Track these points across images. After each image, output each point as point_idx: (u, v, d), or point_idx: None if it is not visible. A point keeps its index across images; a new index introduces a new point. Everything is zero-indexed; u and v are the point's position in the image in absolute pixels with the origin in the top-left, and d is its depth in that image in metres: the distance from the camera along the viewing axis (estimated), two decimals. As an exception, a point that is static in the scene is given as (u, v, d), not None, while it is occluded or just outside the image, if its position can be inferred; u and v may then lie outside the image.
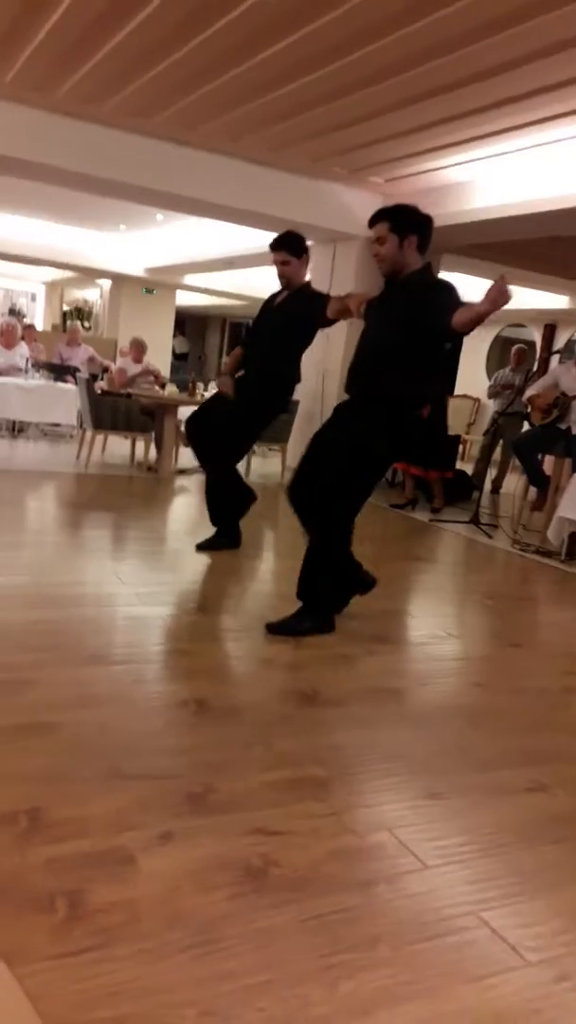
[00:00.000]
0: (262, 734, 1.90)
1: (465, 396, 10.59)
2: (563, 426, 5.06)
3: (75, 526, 4.27)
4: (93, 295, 13.41)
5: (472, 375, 10.61)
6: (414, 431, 2.64)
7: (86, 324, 13.01)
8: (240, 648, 2.60)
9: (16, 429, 7.27)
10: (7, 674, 2.06)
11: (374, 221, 2.60)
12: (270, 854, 1.42)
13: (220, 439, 3.66)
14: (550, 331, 9.92)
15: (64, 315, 13.88)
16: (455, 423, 10.24)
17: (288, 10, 3.32)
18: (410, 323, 2.50)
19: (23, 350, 7.47)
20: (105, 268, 10.92)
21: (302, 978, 1.14)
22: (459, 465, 6.86)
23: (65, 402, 6.87)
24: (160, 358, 10.46)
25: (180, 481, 5.87)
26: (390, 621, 3.07)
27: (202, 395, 6.53)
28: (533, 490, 5.52)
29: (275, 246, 3.54)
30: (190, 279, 11.38)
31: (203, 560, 3.64)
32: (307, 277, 3.68)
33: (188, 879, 1.32)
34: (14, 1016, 0.55)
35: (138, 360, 6.88)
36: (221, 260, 9.02)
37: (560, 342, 9.68)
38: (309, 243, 6.73)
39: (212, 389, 7.65)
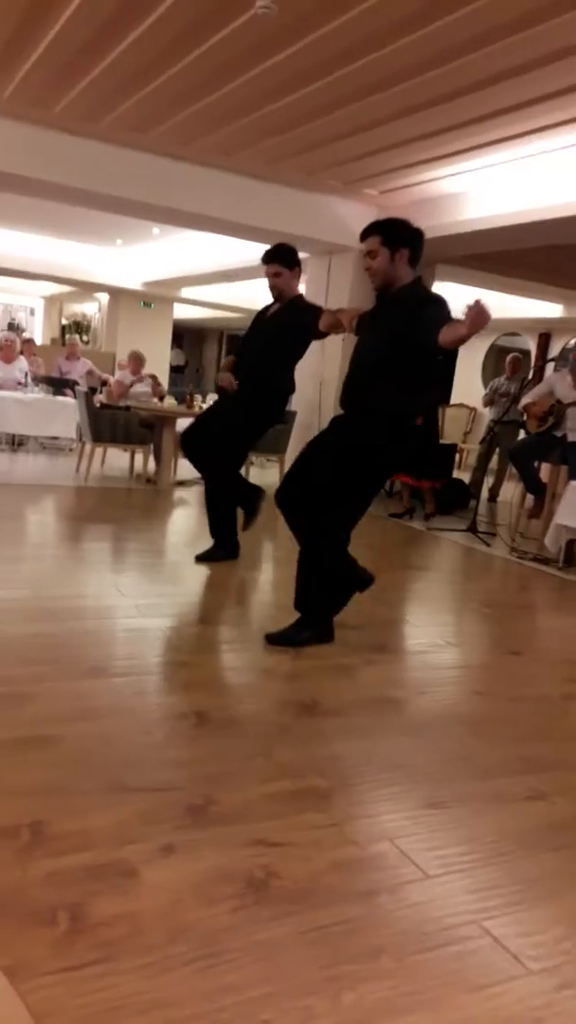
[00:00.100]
0: (262, 745, 1.90)
1: (461, 405, 10.64)
2: (559, 433, 5.09)
3: (75, 539, 4.28)
4: (91, 309, 13.49)
5: (468, 384, 10.67)
6: (410, 442, 2.66)
7: (85, 338, 13.08)
8: (240, 659, 2.60)
9: (16, 443, 7.29)
10: (7, 687, 2.07)
11: (365, 235, 2.64)
12: (271, 865, 1.42)
13: (216, 450, 3.68)
14: (545, 340, 9.98)
15: (63, 329, 13.95)
16: (452, 432, 10.30)
17: (281, 25, 3.37)
18: (401, 337, 2.53)
19: (22, 364, 7.50)
20: (103, 282, 10.99)
21: (305, 990, 1.14)
22: (456, 474, 6.88)
23: (64, 415, 6.90)
24: (158, 371, 10.50)
25: (179, 493, 5.89)
26: (389, 630, 3.07)
27: (200, 407, 6.56)
28: (530, 498, 5.54)
29: (267, 258, 3.57)
30: (187, 292, 11.46)
31: (202, 572, 3.65)
32: (300, 289, 3.71)
33: (190, 891, 1.33)
34: None
35: (136, 373, 6.92)
36: (217, 273, 9.09)
37: (555, 350, 9.74)
38: (304, 255, 6.79)
39: (210, 400, 7.69)
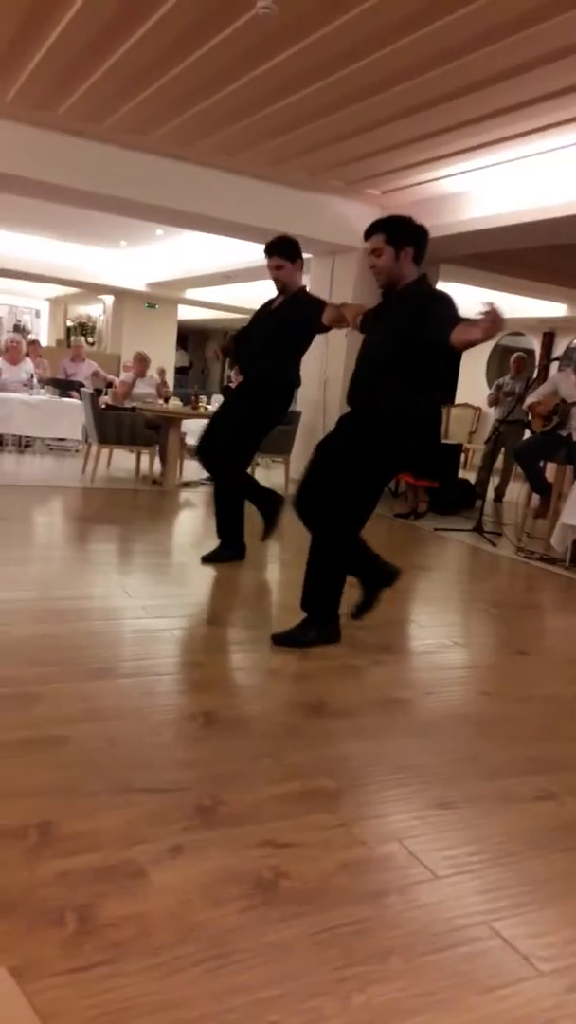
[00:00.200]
0: (270, 746, 1.90)
1: (466, 405, 10.62)
2: (564, 433, 5.07)
3: (81, 540, 4.29)
4: (96, 311, 13.52)
5: (472, 384, 10.65)
6: (417, 441, 2.66)
7: (90, 339, 13.10)
8: (247, 660, 2.60)
9: (22, 444, 7.32)
10: (14, 688, 2.07)
11: (370, 233, 2.63)
12: (280, 866, 1.42)
13: (223, 449, 3.67)
14: (549, 339, 9.96)
15: (68, 331, 13.99)
16: (456, 432, 10.29)
17: (282, 26, 3.37)
18: (408, 334, 2.52)
19: (28, 366, 7.53)
20: (107, 284, 11.03)
21: (315, 991, 1.13)
22: (461, 474, 6.87)
23: (70, 417, 6.92)
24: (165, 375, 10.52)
25: (185, 494, 5.89)
26: (396, 630, 3.06)
27: (205, 407, 6.57)
28: (536, 497, 5.52)
29: (269, 251, 3.54)
30: (191, 293, 11.48)
31: (209, 572, 3.65)
32: (303, 282, 3.68)
33: (199, 892, 1.32)
34: None
35: (141, 374, 6.93)
36: (221, 274, 9.11)
37: (559, 349, 9.71)
38: (307, 256, 6.78)
39: (215, 402, 7.70)
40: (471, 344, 2.32)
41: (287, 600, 3.50)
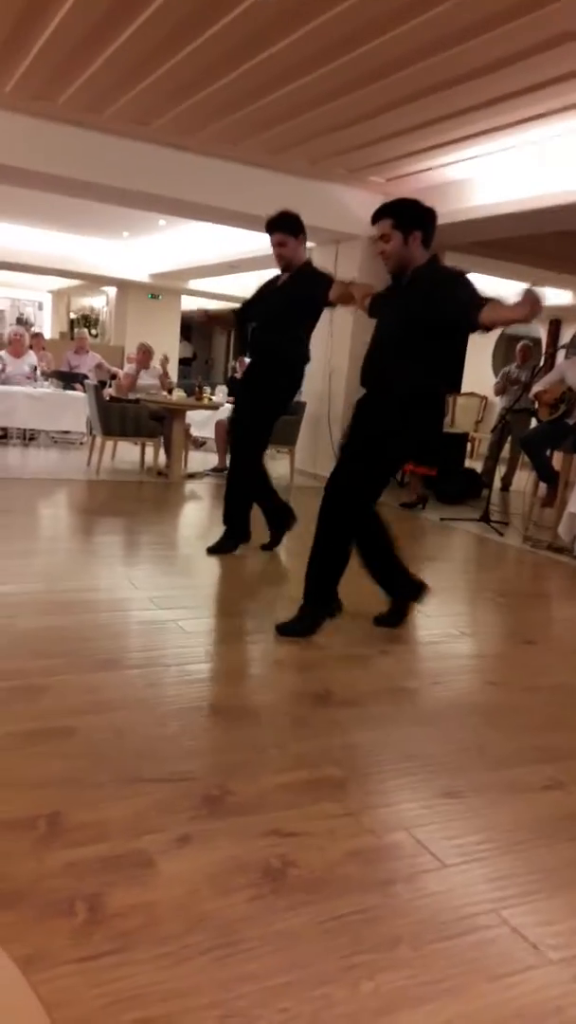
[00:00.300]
0: (277, 736, 1.90)
1: (472, 394, 10.56)
2: (571, 421, 5.04)
3: (87, 532, 4.30)
4: (99, 302, 13.49)
5: (479, 373, 10.58)
6: (429, 425, 2.65)
7: (93, 331, 13.08)
8: (254, 650, 2.60)
9: (27, 437, 7.32)
10: (21, 680, 2.08)
11: (377, 218, 2.60)
12: (288, 855, 1.42)
13: (241, 432, 3.65)
14: (555, 327, 9.88)
15: (71, 323, 13.97)
16: (463, 421, 10.23)
17: (282, 13, 3.32)
18: (422, 317, 2.50)
19: (31, 359, 7.52)
20: (110, 275, 10.98)
21: (323, 979, 1.14)
22: (467, 463, 6.83)
23: (74, 409, 6.91)
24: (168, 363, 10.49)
25: (190, 485, 5.89)
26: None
27: (209, 399, 6.55)
28: (543, 486, 5.49)
29: (271, 228, 3.49)
30: (194, 284, 11.43)
31: (215, 563, 3.64)
32: (306, 255, 3.61)
33: (207, 881, 1.33)
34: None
35: (144, 366, 6.92)
36: (224, 264, 9.06)
37: (565, 337, 9.64)
38: (311, 245, 6.72)
39: (219, 393, 7.68)
40: (504, 324, 2.31)
41: (293, 591, 3.49)
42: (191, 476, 6.18)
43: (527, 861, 1.49)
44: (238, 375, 7.13)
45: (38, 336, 9.32)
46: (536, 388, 5.35)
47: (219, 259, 8.94)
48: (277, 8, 3.26)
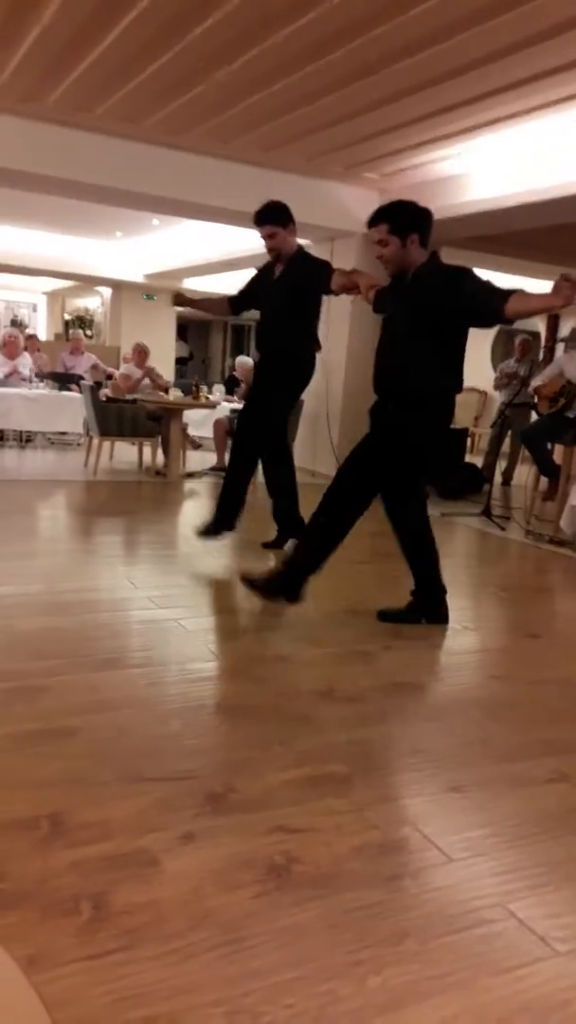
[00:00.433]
0: (281, 733, 1.89)
1: (472, 389, 10.54)
2: (571, 415, 5.03)
3: (86, 533, 4.29)
4: (94, 303, 13.46)
5: (478, 368, 10.56)
6: (444, 422, 2.66)
7: (88, 332, 13.06)
8: (256, 647, 2.59)
9: (23, 439, 7.31)
10: (21, 681, 2.07)
11: (373, 223, 2.59)
12: (292, 852, 1.41)
13: (252, 426, 3.63)
14: (554, 321, 9.86)
15: (66, 324, 13.94)
16: (462, 416, 10.20)
17: (273, 8, 3.31)
18: (433, 313, 2.50)
19: (26, 360, 7.50)
20: (104, 276, 10.96)
21: (329, 974, 1.13)
22: (468, 458, 6.82)
23: (71, 410, 6.90)
24: (163, 363, 10.48)
25: (189, 484, 5.88)
26: (404, 616, 3.04)
27: (207, 398, 6.54)
28: (544, 480, 5.49)
29: (259, 220, 3.46)
30: (189, 283, 11.40)
31: (215, 562, 3.63)
32: (297, 243, 3.56)
33: (211, 879, 1.32)
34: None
35: (141, 366, 6.90)
36: (219, 263, 9.04)
37: (564, 331, 9.62)
38: (306, 242, 6.71)
39: (216, 392, 7.66)
40: (530, 312, 2.32)
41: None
42: (190, 475, 6.17)
43: (533, 854, 1.48)
44: (236, 373, 7.12)
45: (32, 338, 9.30)
46: (535, 382, 5.33)
47: (214, 258, 8.92)
48: (267, 4, 3.25)
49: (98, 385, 6.52)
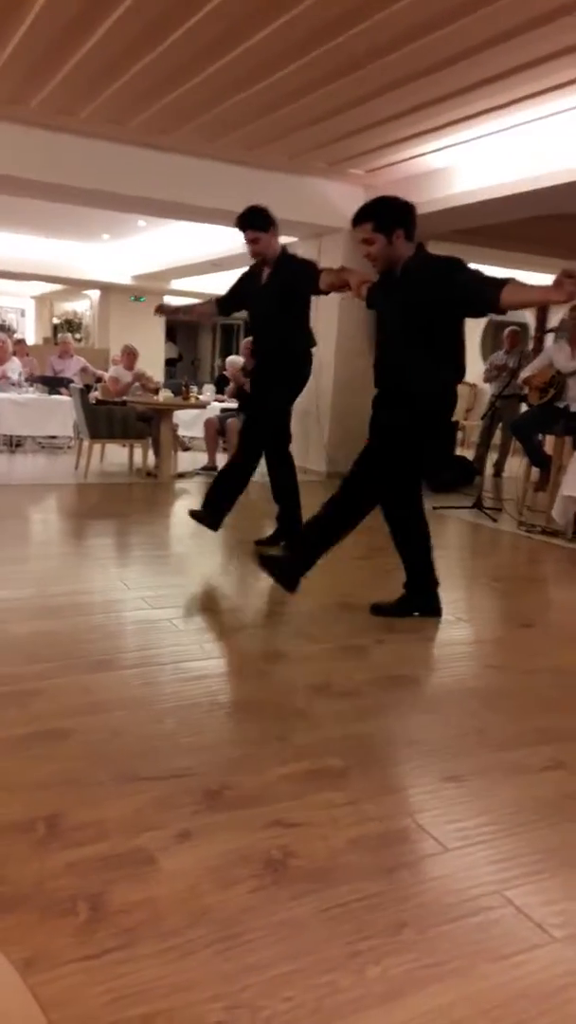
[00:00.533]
0: (276, 728, 1.89)
1: (462, 382, 10.55)
2: (561, 404, 5.04)
3: (78, 536, 4.27)
4: (82, 306, 13.42)
5: (467, 361, 10.58)
6: (445, 415, 2.66)
7: (77, 336, 13.02)
8: (249, 644, 2.59)
9: (14, 444, 7.28)
10: (15, 685, 2.06)
11: (357, 222, 2.59)
12: (289, 846, 1.41)
13: (255, 429, 3.65)
14: (542, 312, 9.89)
15: (55, 328, 13.89)
16: (452, 410, 10.22)
17: (254, 7, 3.30)
18: (425, 304, 2.50)
19: (15, 365, 7.47)
20: (92, 278, 10.92)
21: (328, 966, 1.13)
22: (459, 451, 6.84)
23: (60, 414, 6.87)
24: (153, 365, 10.46)
25: (180, 485, 5.87)
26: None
27: (196, 398, 6.53)
28: (536, 471, 5.50)
29: (241, 226, 3.47)
30: (177, 284, 11.38)
31: (207, 561, 3.63)
32: (280, 245, 3.57)
33: (208, 875, 1.32)
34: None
35: (130, 367, 6.89)
36: (206, 263, 9.03)
37: (553, 321, 9.64)
38: (293, 239, 6.70)
39: (207, 392, 7.65)
40: (527, 305, 2.33)
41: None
42: (181, 476, 6.16)
43: (530, 842, 1.48)
44: (227, 373, 7.11)
45: (21, 342, 9.27)
46: (525, 373, 5.35)
47: (201, 258, 8.90)
48: (250, 2, 3.24)
49: (88, 388, 6.50)
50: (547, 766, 1.79)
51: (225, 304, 3.81)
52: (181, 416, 6.80)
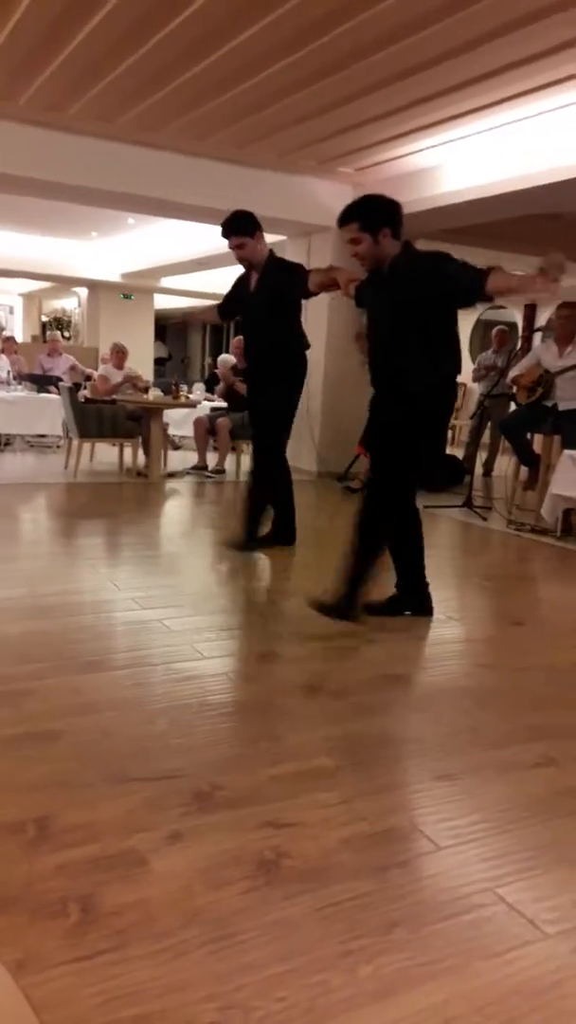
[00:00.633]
0: (267, 729, 1.89)
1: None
2: (549, 403, 5.07)
3: (68, 535, 4.25)
4: (71, 304, 13.35)
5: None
6: (445, 409, 2.67)
7: (66, 334, 12.95)
8: (240, 645, 2.59)
9: (2, 442, 7.23)
10: (5, 686, 2.04)
11: (343, 222, 2.59)
12: (281, 846, 1.41)
13: (260, 436, 3.66)
14: (531, 311, 9.94)
15: (43, 326, 13.82)
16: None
17: (243, 4, 3.29)
18: (415, 299, 2.51)
19: (4, 363, 7.42)
20: (81, 276, 10.87)
21: (321, 966, 1.13)
22: (448, 450, 6.85)
23: (49, 413, 6.83)
24: (142, 364, 10.42)
25: (170, 484, 5.85)
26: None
27: (187, 397, 6.50)
28: (525, 470, 5.53)
29: (226, 233, 3.45)
30: (166, 282, 11.34)
31: (199, 561, 3.62)
32: (267, 249, 3.56)
33: (200, 876, 1.31)
34: None
35: (119, 366, 6.85)
36: (195, 261, 9.01)
37: (541, 321, 9.69)
38: (283, 238, 6.68)
39: (197, 391, 7.63)
40: (510, 291, 2.34)
41: (279, 585, 3.48)
42: (171, 475, 6.14)
43: (522, 839, 1.49)
44: (218, 372, 7.09)
45: (10, 340, 9.20)
46: (513, 372, 5.37)
47: (190, 256, 8.88)
48: (235, 2, 3.23)
49: (77, 387, 6.47)
50: (539, 763, 1.80)
51: (224, 310, 3.82)
52: (171, 415, 6.78)
